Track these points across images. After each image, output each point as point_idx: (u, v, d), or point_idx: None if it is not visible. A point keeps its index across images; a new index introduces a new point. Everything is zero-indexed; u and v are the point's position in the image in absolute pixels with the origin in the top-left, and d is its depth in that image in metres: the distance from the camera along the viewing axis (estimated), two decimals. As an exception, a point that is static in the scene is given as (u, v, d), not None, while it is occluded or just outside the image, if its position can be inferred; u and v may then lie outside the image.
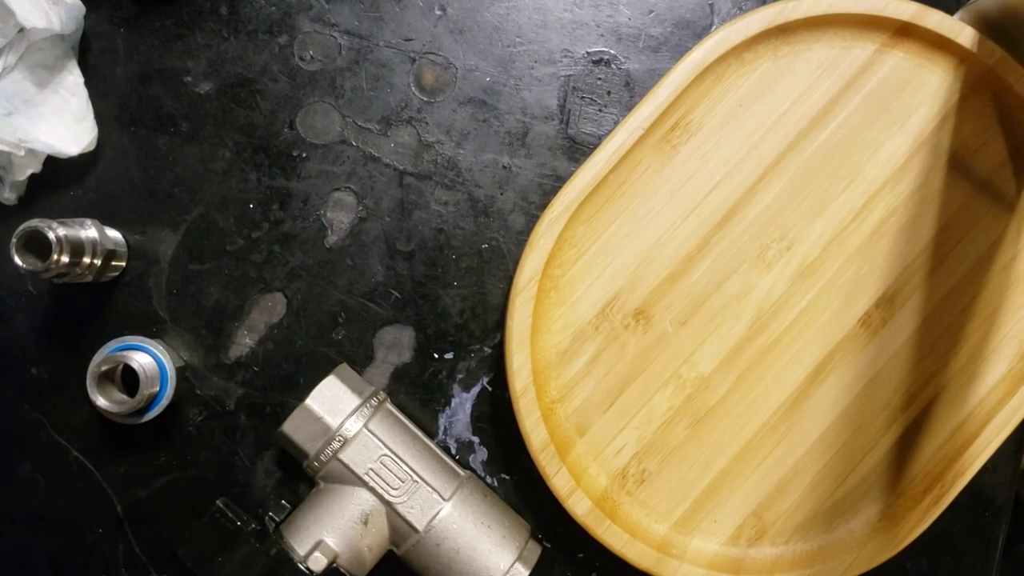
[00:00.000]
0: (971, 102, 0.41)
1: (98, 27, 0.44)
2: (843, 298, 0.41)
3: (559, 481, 0.39)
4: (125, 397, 0.40)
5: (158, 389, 0.41)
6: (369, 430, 0.39)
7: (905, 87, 0.41)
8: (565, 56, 0.44)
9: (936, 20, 0.40)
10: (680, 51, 0.44)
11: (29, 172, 0.42)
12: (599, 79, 0.44)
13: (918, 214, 0.41)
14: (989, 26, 0.40)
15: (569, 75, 0.44)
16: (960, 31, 0.40)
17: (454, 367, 0.43)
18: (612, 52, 0.44)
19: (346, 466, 0.38)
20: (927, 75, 0.41)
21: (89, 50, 0.44)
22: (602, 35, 0.44)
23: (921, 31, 0.40)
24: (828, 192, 0.41)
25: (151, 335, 0.43)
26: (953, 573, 0.44)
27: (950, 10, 0.41)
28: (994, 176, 0.41)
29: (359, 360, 0.43)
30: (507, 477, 0.43)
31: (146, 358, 0.41)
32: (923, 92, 0.41)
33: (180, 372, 0.42)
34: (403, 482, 0.39)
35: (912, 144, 0.41)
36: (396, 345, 0.43)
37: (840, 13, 0.40)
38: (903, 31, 0.40)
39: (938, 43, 0.40)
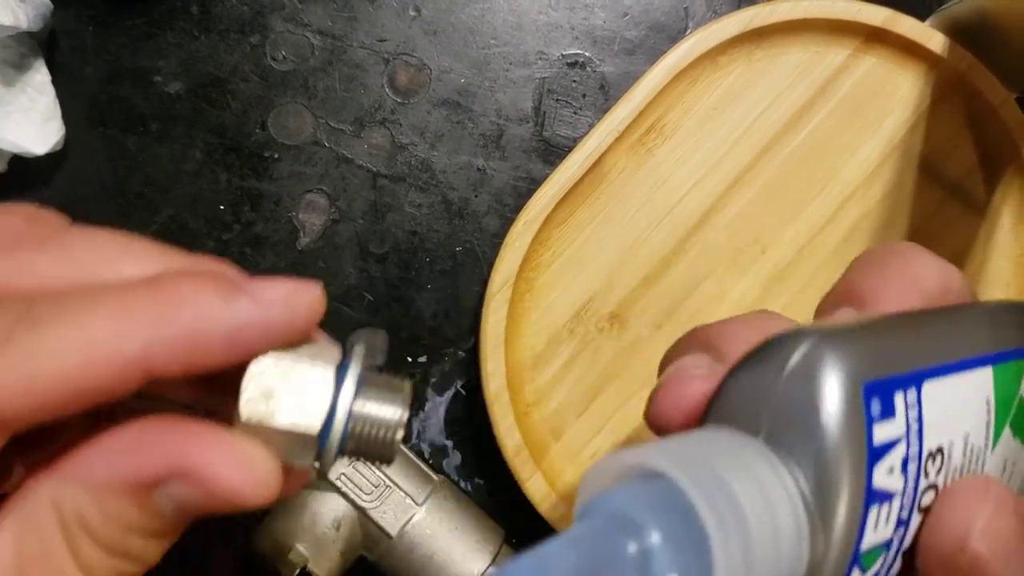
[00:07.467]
0: (942, 107, 0.41)
1: (66, 25, 0.43)
2: (817, 301, 0.41)
3: (533, 485, 0.39)
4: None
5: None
6: (341, 434, 0.38)
7: (878, 92, 0.41)
8: (540, 58, 0.44)
9: (908, 26, 0.40)
10: (655, 54, 0.44)
11: (-6, 172, 0.41)
12: (574, 82, 0.44)
13: (891, 217, 0.41)
14: (960, 32, 0.40)
15: (544, 77, 0.44)
16: (930, 37, 0.40)
17: (428, 370, 0.43)
18: (587, 55, 0.44)
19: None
20: (899, 80, 0.41)
21: (57, 48, 0.43)
22: (577, 38, 0.44)
23: (893, 36, 0.40)
24: (802, 195, 0.41)
25: (119, 338, 0.42)
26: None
27: (923, 16, 0.41)
28: (965, 180, 0.41)
29: (332, 364, 0.43)
30: (481, 482, 0.43)
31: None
32: (896, 97, 0.41)
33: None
34: (376, 487, 0.38)
35: (885, 148, 0.41)
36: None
37: (814, 18, 0.40)
38: (875, 36, 0.41)
39: (909, 48, 0.41)
